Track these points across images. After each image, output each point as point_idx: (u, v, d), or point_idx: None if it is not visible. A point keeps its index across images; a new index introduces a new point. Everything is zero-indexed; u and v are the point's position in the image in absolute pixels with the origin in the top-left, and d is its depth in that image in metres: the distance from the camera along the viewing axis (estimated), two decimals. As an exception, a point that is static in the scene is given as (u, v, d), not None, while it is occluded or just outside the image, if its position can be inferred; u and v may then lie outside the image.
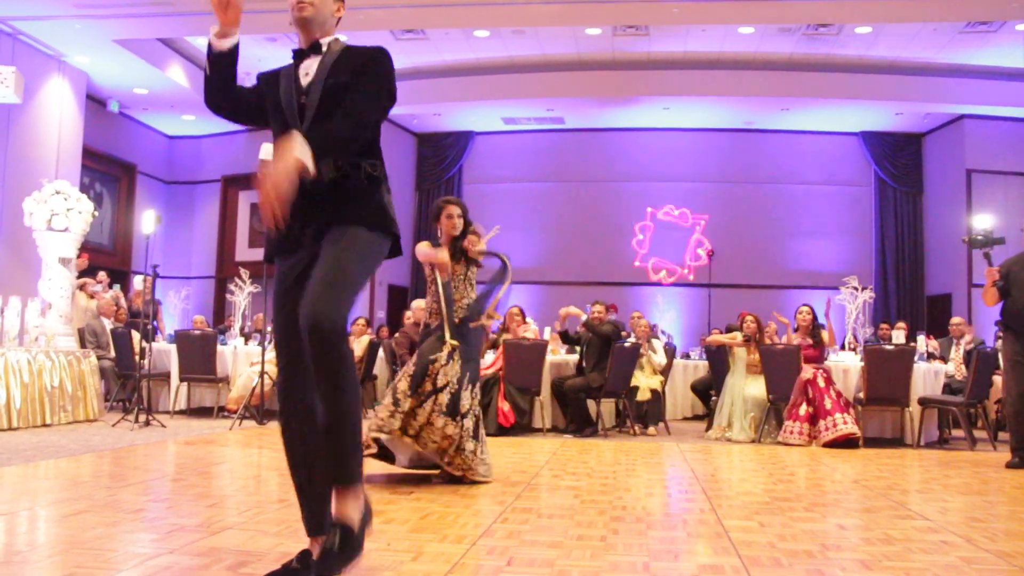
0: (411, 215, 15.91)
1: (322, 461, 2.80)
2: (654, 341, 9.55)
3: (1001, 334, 7.50)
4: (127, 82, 13.17)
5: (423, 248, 5.22)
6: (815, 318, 8.46)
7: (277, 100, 2.91)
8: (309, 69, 2.88)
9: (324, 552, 2.64)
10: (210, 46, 2.87)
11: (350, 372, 2.68)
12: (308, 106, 2.83)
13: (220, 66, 2.88)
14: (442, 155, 16.22)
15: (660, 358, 9.44)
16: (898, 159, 15.12)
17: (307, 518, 2.85)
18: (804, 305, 8.63)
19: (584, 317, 8.67)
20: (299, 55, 2.94)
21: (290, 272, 2.86)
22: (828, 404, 7.78)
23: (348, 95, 2.79)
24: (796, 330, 8.53)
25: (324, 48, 2.90)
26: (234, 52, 2.88)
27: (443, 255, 5.20)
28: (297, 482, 2.86)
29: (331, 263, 2.69)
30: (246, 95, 2.97)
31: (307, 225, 2.80)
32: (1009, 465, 6.55)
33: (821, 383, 7.88)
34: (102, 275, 11.30)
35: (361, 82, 2.80)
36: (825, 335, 8.38)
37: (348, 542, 2.64)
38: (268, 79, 2.99)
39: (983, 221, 7.17)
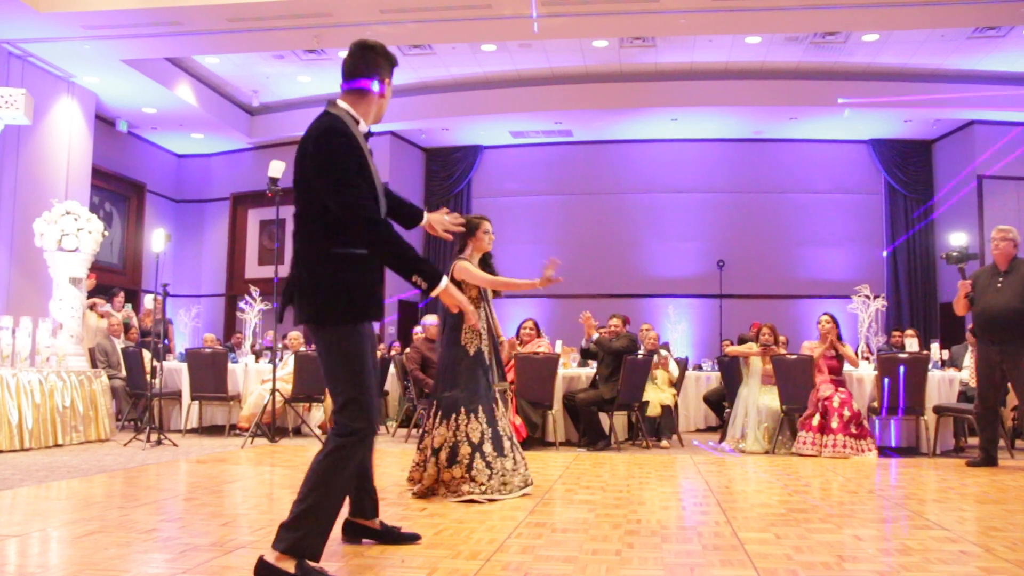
0: (420, 231, 15.87)
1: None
2: (667, 352, 9.51)
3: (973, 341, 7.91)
4: (136, 101, 13.25)
5: (469, 268, 5.17)
6: (837, 326, 8.36)
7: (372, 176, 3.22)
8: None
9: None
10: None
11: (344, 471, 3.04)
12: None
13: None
14: (451, 169, 16.24)
15: (674, 369, 9.43)
16: (908, 166, 15.06)
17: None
18: (825, 314, 8.51)
19: (595, 336, 8.60)
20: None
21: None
22: (835, 423, 7.73)
23: None
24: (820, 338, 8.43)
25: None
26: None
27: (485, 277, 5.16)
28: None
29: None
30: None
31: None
32: (971, 464, 7.00)
33: (836, 403, 7.83)
34: (120, 295, 11.31)
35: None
36: (848, 349, 8.31)
37: None
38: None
39: (958, 239, 7.92)
